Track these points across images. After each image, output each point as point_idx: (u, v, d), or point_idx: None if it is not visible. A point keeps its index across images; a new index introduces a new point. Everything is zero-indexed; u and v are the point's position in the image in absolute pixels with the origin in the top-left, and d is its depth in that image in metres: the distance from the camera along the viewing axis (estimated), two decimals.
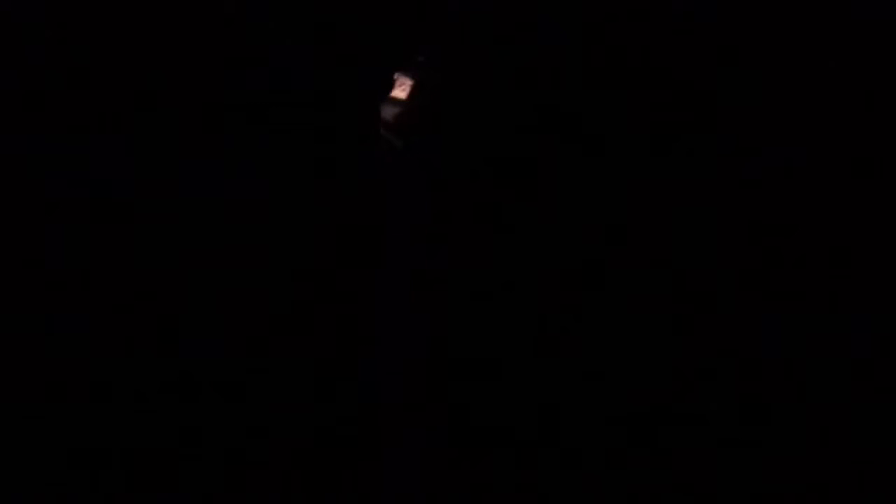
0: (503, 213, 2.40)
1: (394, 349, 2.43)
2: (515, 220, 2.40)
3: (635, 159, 2.40)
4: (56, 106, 2.37)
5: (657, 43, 2.39)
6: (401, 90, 2.48)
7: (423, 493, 2.39)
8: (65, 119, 2.38)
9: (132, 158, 2.38)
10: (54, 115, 2.38)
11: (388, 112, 2.46)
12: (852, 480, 2.32)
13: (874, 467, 2.32)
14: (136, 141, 2.38)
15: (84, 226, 2.37)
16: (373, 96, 2.44)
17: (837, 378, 2.35)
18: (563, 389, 2.37)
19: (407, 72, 2.46)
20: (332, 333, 2.39)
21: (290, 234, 2.39)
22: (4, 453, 2.32)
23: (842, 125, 2.39)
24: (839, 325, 2.36)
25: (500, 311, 2.39)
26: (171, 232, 2.38)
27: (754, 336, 2.36)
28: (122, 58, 2.38)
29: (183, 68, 2.38)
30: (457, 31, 2.43)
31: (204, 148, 2.39)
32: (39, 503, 2.32)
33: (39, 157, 2.37)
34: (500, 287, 2.39)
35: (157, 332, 2.36)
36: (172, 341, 2.36)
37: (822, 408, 2.34)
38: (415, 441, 2.40)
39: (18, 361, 2.34)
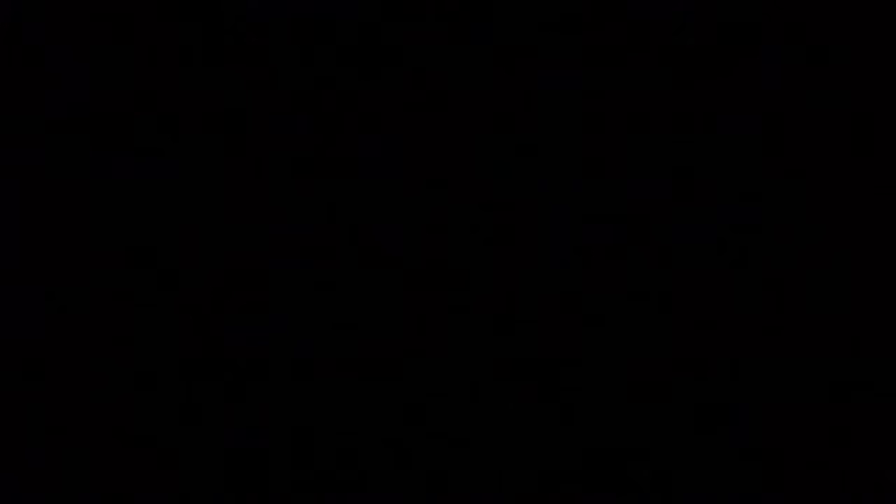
0: (500, 212, 2.41)
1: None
2: (514, 219, 2.41)
3: (635, 159, 2.40)
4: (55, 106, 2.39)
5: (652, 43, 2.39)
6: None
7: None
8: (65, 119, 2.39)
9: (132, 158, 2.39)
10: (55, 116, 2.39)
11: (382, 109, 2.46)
12: (852, 480, 2.32)
13: (874, 467, 2.32)
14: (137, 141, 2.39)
15: (84, 223, 2.38)
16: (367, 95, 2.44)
17: (837, 378, 2.35)
18: (563, 388, 2.37)
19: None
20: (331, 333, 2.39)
21: (289, 232, 2.39)
22: (5, 452, 2.33)
23: (841, 125, 2.39)
24: (838, 324, 2.36)
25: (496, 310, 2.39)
26: (171, 230, 2.38)
27: (752, 335, 2.36)
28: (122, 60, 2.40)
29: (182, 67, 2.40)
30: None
31: (203, 147, 2.40)
32: (39, 502, 2.33)
33: (39, 156, 2.39)
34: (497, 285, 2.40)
35: (156, 330, 2.37)
36: (173, 338, 2.37)
37: (822, 407, 2.34)
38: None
39: (20, 359, 2.35)
